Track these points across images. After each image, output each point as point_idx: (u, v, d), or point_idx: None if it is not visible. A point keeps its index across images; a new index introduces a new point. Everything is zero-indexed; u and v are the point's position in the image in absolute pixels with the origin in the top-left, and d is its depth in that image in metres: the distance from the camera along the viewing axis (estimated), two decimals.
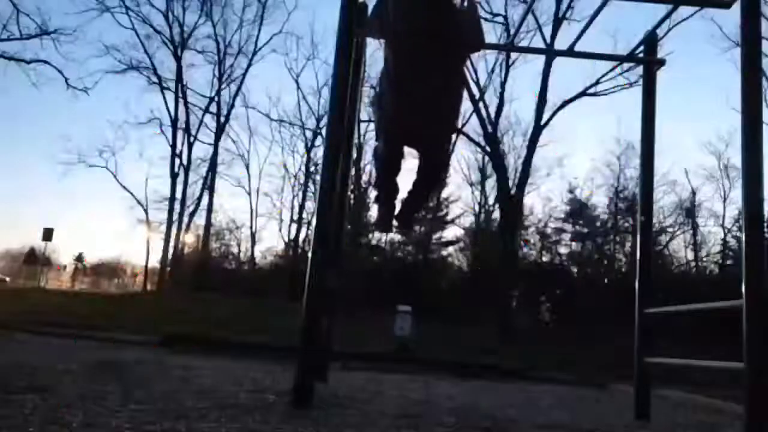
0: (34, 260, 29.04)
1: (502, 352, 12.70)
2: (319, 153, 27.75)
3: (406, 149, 3.51)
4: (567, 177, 33.59)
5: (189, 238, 30.23)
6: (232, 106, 28.73)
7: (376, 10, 3.57)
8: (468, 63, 3.66)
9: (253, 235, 32.50)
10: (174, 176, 26.75)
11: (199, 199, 28.81)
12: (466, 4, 3.81)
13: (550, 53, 16.03)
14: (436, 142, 3.45)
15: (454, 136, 3.74)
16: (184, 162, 27.26)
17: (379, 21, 3.51)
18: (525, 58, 21.48)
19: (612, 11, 5.73)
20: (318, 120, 28.86)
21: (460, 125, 17.64)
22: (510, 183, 20.63)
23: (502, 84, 20.90)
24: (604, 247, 26.59)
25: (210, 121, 28.53)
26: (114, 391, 2.89)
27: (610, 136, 52.86)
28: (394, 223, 3.58)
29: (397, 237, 29.23)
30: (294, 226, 31.16)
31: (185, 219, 27.81)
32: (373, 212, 27.00)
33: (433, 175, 3.55)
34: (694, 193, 26.96)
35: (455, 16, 3.52)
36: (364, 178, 23.81)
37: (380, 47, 3.68)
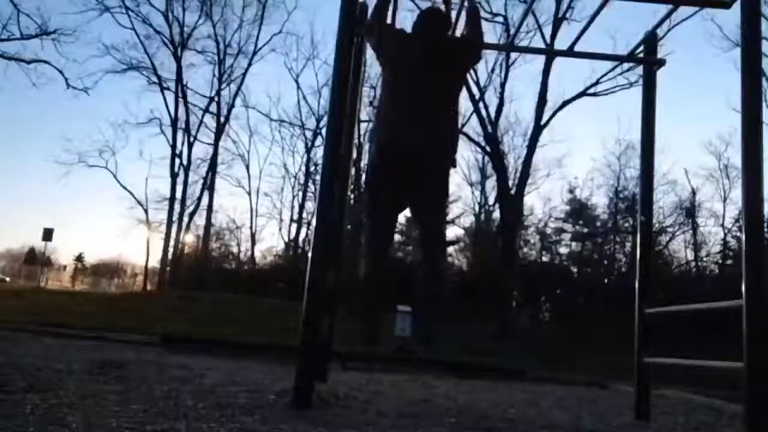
0: (34, 260, 29.09)
1: (502, 352, 12.70)
2: (319, 153, 27.80)
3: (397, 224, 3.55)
4: (567, 177, 33.82)
5: (189, 238, 30.29)
6: (232, 106, 28.82)
7: (371, 35, 3.63)
8: (466, 77, 3.81)
9: (253, 235, 32.56)
10: (174, 176, 26.79)
11: (199, 199, 28.87)
12: (466, 8, 3.83)
13: (550, 53, 16.06)
14: (434, 176, 3.48)
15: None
16: (184, 162, 27.31)
17: (376, 46, 3.60)
18: (525, 58, 21.55)
19: (612, 11, 5.73)
20: (318, 120, 28.94)
21: (460, 126, 17.61)
22: (510, 183, 20.67)
23: (502, 84, 20.98)
24: (604, 247, 26.60)
25: (210, 121, 28.62)
26: (114, 391, 2.89)
27: (610, 136, 52.99)
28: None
29: (397, 237, 29.23)
30: (294, 226, 31.26)
31: (185, 219, 27.85)
32: None
33: (432, 244, 3.52)
34: (694, 193, 26.99)
35: (451, 42, 3.61)
36: (364, 177, 23.82)
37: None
